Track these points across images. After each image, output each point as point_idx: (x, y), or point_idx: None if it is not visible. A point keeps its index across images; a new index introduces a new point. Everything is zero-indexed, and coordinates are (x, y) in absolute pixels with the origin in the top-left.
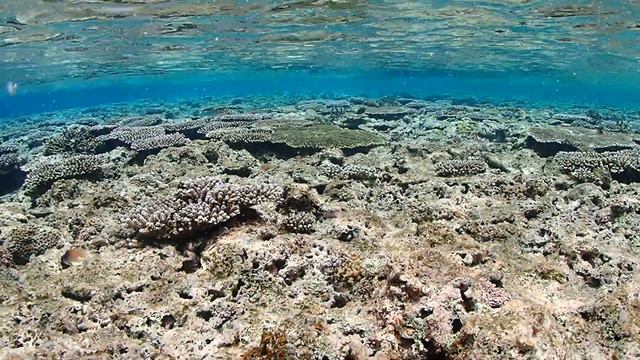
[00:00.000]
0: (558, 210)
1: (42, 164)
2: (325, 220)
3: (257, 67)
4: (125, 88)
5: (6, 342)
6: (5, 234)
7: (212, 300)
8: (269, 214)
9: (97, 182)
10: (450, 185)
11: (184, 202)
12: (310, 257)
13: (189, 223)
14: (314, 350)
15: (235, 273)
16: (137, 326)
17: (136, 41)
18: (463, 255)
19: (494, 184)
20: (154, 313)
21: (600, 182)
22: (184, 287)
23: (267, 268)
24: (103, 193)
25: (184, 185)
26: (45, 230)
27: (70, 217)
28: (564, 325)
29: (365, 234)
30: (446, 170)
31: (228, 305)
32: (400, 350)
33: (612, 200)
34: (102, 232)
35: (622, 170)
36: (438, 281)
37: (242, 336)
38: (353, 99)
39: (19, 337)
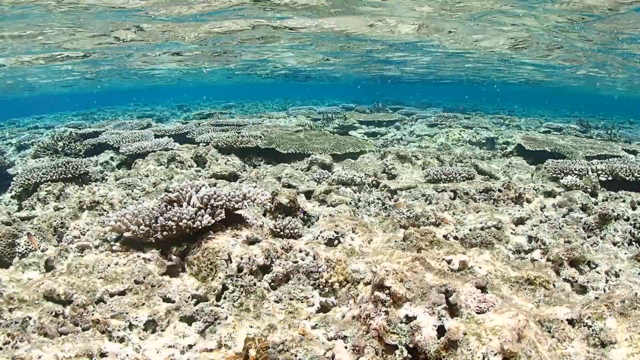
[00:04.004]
0: (546, 217)
1: (29, 166)
2: (314, 225)
3: (249, 72)
4: (116, 92)
5: None
6: None
7: (195, 305)
8: (255, 218)
9: (84, 185)
10: (439, 192)
11: (169, 206)
12: (296, 262)
13: (174, 227)
14: (296, 355)
15: (220, 278)
16: (118, 330)
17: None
18: (449, 261)
19: (482, 191)
20: (136, 317)
21: (589, 190)
22: (167, 291)
23: (252, 273)
24: (89, 196)
25: (170, 189)
26: (36, 237)
27: (55, 221)
28: (549, 331)
29: (352, 240)
30: (435, 177)
31: (211, 310)
32: (384, 356)
33: (600, 208)
34: (87, 236)
35: (610, 178)
36: (423, 287)
37: (225, 341)
38: (344, 106)
39: None
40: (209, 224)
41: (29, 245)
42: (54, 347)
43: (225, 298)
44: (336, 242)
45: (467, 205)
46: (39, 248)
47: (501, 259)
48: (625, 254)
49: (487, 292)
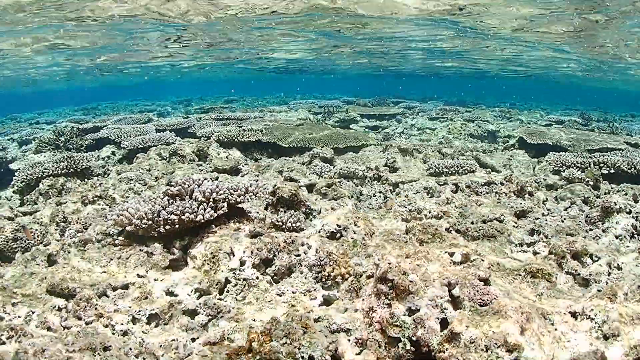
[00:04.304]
0: (548, 210)
1: (31, 162)
2: (316, 218)
3: (251, 65)
4: (117, 87)
5: None
6: None
7: (198, 298)
8: (257, 212)
9: (86, 180)
10: (441, 185)
11: (172, 200)
12: (299, 255)
13: (176, 221)
14: (299, 348)
15: (222, 271)
16: (122, 324)
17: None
18: (452, 254)
19: (484, 184)
20: (140, 311)
21: (591, 183)
22: (170, 285)
23: (255, 266)
24: (91, 191)
25: (172, 184)
26: (32, 228)
27: (58, 215)
28: (552, 324)
29: (354, 233)
30: (437, 170)
31: (214, 304)
32: (387, 348)
33: (602, 201)
34: (89, 230)
35: (612, 171)
36: (426, 279)
37: (228, 334)
38: (346, 100)
39: (2, 335)
40: (212, 218)
41: (28, 239)
42: (58, 341)
43: (228, 291)
44: (338, 235)
45: (469, 198)
46: (41, 242)
47: (503, 251)
48: (628, 246)
49: (489, 285)
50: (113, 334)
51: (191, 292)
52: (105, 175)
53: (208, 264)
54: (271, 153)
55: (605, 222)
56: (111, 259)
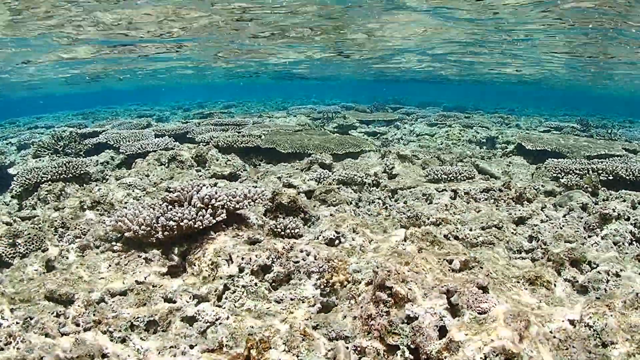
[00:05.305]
0: (547, 217)
1: (30, 166)
2: (315, 225)
3: (249, 72)
4: (116, 92)
5: None
6: None
7: (196, 305)
8: (256, 218)
9: (85, 185)
10: (439, 192)
11: (170, 206)
12: (297, 262)
13: (175, 227)
14: (298, 356)
15: (221, 278)
16: (120, 331)
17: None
18: (450, 262)
19: (483, 190)
20: (138, 318)
21: (589, 190)
22: (169, 291)
23: (253, 273)
24: (90, 196)
25: (170, 189)
26: (30, 234)
27: (56, 221)
28: (550, 332)
29: (353, 240)
30: (435, 176)
31: (213, 311)
32: (386, 356)
33: (601, 208)
34: (87, 236)
35: (611, 177)
36: (424, 287)
37: (227, 342)
38: (344, 105)
39: (0, 341)
40: (210, 224)
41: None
42: (56, 347)
43: (226, 298)
44: (337, 242)
45: (467, 205)
46: (39, 248)
47: (502, 259)
48: (626, 253)
49: (488, 292)
50: (111, 340)
51: (190, 298)
52: (104, 181)
53: (206, 270)
54: (270, 159)
55: (603, 228)
56: (110, 265)
